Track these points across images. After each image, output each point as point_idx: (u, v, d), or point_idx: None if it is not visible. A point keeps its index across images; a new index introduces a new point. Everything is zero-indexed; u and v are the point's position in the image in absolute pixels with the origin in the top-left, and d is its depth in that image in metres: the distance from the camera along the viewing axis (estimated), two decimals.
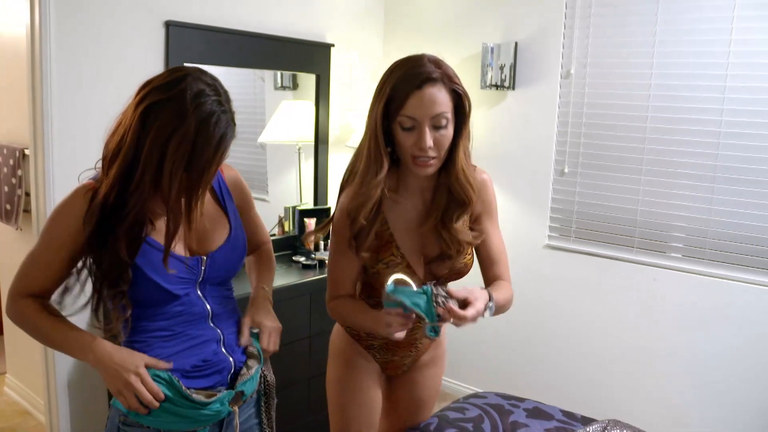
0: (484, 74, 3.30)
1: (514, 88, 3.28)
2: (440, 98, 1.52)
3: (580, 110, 3.13)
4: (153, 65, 2.65)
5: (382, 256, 1.65)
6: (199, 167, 1.25)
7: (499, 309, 1.62)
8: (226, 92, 1.31)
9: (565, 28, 3.12)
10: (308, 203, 3.51)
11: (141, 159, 1.23)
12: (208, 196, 1.43)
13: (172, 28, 2.69)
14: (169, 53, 2.69)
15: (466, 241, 1.65)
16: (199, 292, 1.41)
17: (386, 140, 1.58)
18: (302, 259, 3.23)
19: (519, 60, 3.25)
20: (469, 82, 3.42)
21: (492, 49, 3.26)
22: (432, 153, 1.55)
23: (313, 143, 3.46)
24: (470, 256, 1.70)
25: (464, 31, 3.43)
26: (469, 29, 3.41)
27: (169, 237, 1.28)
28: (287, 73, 3.36)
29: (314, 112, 3.44)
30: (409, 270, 1.64)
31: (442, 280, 1.67)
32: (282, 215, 3.41)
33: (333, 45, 3.44)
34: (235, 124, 1.30)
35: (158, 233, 1.33)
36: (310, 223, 3.26)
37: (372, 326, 1.56)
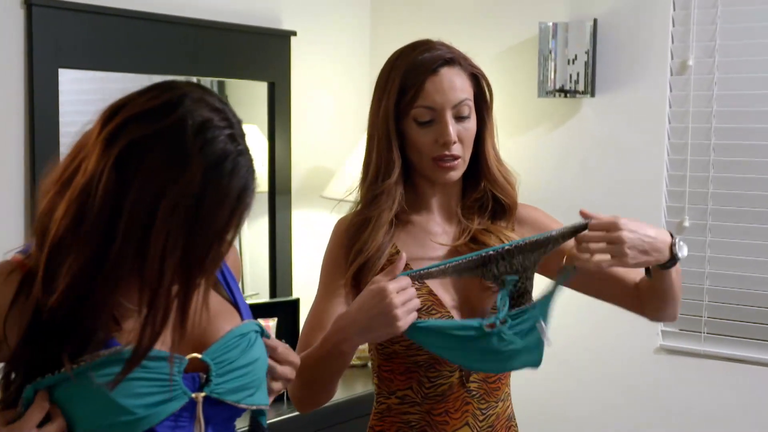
0: (542, 73, 3.35)
1: (593, 94, 3.31)
2: (460, 83, 1.80)
3: (707, 125, 3.16)
4: (6, 72, 2.70)
5: None
6: (207, 238, 1.33)
7: (678, 283, 1.82)
8: (239, 122, 1.39)
9: None
10: (260, 294, 3.50)
11: (120, 228, 1.30)
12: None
13: (36, 9, 2.74)
14: (32, 51, 2.72)
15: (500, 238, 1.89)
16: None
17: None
18: None
19: (600, 49, 3.29)
20: (517, 86, 3.53)
21: (555, 31, 3.32)
22: (457, 150, 1.80)
23: (266, 193, 3.51)
24: None
25: (507, 3, 3.53)
26: (516, 1, 3.50)
27: (146, 342, 1.34)
28: (215, 81, 3.43)
29: (266, 143, 3.51)
30: (436, 302, 1.83)
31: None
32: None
33: (294, 33, 3.50)
34: (255, 171, 1.39)
35: (124, 334, 1.40)
36: (267, 326, 3.04)
37: (345, 333, 1.71)
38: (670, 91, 3.16)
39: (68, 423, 1.40)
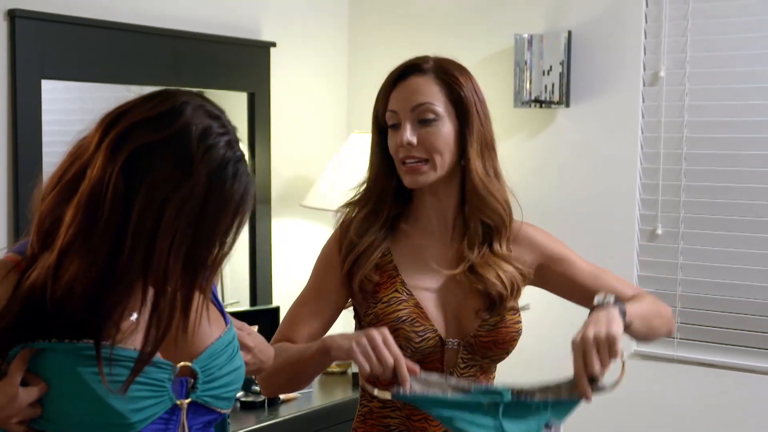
0: (518, 83, 3.34)
1: (567, 104, 3.31)
2: (425, 88, 1.84)
3: (679, 135, 3.16)
4: None
5: (382, 294, 1.88)
6: (211, 241, 1.36)
7: (645, 321, 1.87)
8: (235, 128, 1.41)
9: (647, 5, 3.18)
10: (240, 302, 3.48)
11: (129, 232, 1.31)
12: None
13: (20, 21, 2.73)
14: (15, 61, 2.72)
15: (517, 270, 1.89)
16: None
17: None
18: (239, 393, 3.09)
19: (574, 59, 3.28)
20: (493, 96, 3.48)
21: (530, 42, 3.31)
22: (419, 153, 1.82)
23: None
24: (520, 318, 1.92)
25: (483, 14, 3.52)
26: (493, 12, 3.49)
27: (152, 345, 1.37)
28: (195, 91, 3.27)
29: (247, 152, 3.20)
30: (421, 314, 1.86)
31: (478, 356, 1.88)
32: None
33: (273, 44, 3.50)
34: (252, 177, 1.42)
35: (119, 335, 1.40)
36: None
37: (320, 355, 1.77)
38: (643, 101, 3.17)
39: (56, 419, 1.40)
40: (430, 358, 1.83)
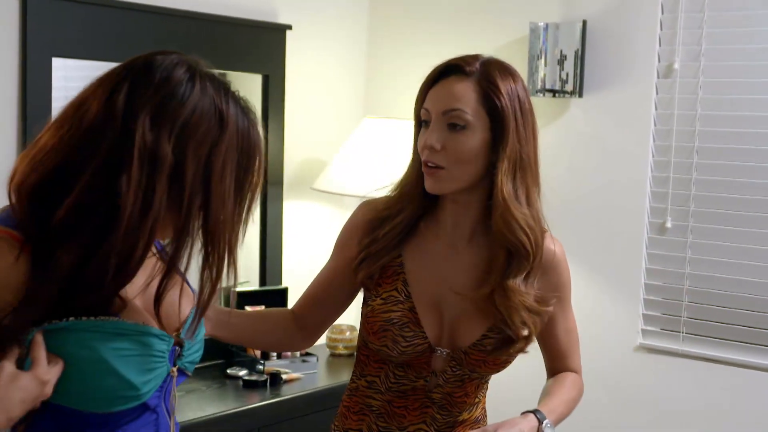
0: (532, 72, 3.34)
1: (581, 95, 3.30)
2: (461, 93, 1.76)
3: (691, 128, 3.16)
4: (2, 60, 2.70)
5: (383, 289, 1.88)
6: (252, 184, 1.44)
7: (564, 416, 1.90)
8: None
9: None
10: (250, 282, 3.49)
11: (185, 179, 1.36)
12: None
13: (31, 0, 2.74)
14: (26, 39, 2.74)
15: (540, 314, 1.85)
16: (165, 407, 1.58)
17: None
18: (243, 372, 3.22)
19: (588, 49, 3.28)
20: None
21: (545, 30, 3.31)
22: (440, 159, 1.76)
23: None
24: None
25: (499, 2, 3.53)
26: (508, 2, 3.50)
27: (211, 292, 1.44)
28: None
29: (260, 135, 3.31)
30: (413, 319, 1.85)
31: (466, 369, 1.87)
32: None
33: (289, 27, 3.49)
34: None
35: (129, 312, 1.45)
36: None
37: None
38: (657, 93, 3.16)
39: (67, 392, 1.42)
40: (417, 361, 1.84)
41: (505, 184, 1.75)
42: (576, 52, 3.22)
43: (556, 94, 3.28)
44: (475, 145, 1.75)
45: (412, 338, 1.81)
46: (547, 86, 3.29)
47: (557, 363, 1.99)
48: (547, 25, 3.26)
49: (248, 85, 3.39)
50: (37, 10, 2.73)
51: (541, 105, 3.26)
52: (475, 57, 1.79)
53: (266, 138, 3.41)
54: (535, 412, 1.80)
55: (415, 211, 1.85)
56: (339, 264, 1.93)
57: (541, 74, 3.29)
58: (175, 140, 1.37)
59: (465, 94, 1.74)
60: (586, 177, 3.31)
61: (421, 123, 1.82)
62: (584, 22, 3.21)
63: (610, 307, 3.29)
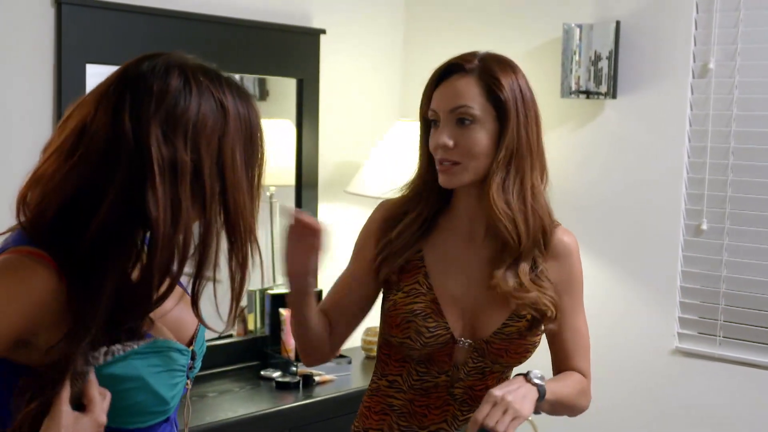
0: (566, 74, 3.35)
1: (614, 96, 3.31)
2: (465, 90, 1.82)
3: (727, 128, 3.15)
4: (38, 66, 2.75)
5: (404, 283, 1.91)
6: (258, 161, 1.45)
7: (562, 403, 1.87)
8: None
9: None
10: (284, 285, 3.34)
11: (204, 177, 1.37)
12: None
13: (66, 7, 2.78)
14: (61, 48, 2.77)
15: (550, 300, 1.87)
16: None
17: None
18: (276, 374, 3.24)
19: (622, 50, 3.28)
20: (540, 86, 3.41)
21: (579, 31, 3.30)
22: (454, 155, 1.81)
23: (293, 187, 3.52)
24: (540, 333, 1.95)
25: (534, 3, 3.55)
26: (542, 3, 3.52)
27: (242, 278, 1.44)
28: (249, 77, 3.48)
29: (295, 137, 3.52)
30: (436, 310, 1.88)
31: (488, 360, 1.90)
32: (244, 305, 3.35)
33: (323, 32, 3.51)
34: None
35: (156, 331, 1.46)
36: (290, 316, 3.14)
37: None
38: (692, 93, 3.15)
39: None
40: (439, 353, 1.86)
41: (495, 173, 1.81)
42: (610, 53, 3.22)
43: (590, 96, 3.27)
44: (485, 138, 1.80)
45: (434, 329, 1.83)
46: (581, 88, 3.28)
47: (562, 363, 1.98)
48: (580, 26, 3.26)
49: (283, 89, 3.43)
50: (71, 18, 2.78)
51: (575, 106, 3.38)
52: (473, 54, 1.85)
53: (300, 141, 3.50)
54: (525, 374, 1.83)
55: (430, 207, 1.89)
56: (359, 267, 1.95)
57: (574, 75, 3.29)
58: (190, 144, 1.37)
59: (469, 90, 1.80)
60: (620, 179, 3.31)
61: (428, 125, 1.86)
62: (618, 23, 3.21)
63: (646, 311, 3.28)
